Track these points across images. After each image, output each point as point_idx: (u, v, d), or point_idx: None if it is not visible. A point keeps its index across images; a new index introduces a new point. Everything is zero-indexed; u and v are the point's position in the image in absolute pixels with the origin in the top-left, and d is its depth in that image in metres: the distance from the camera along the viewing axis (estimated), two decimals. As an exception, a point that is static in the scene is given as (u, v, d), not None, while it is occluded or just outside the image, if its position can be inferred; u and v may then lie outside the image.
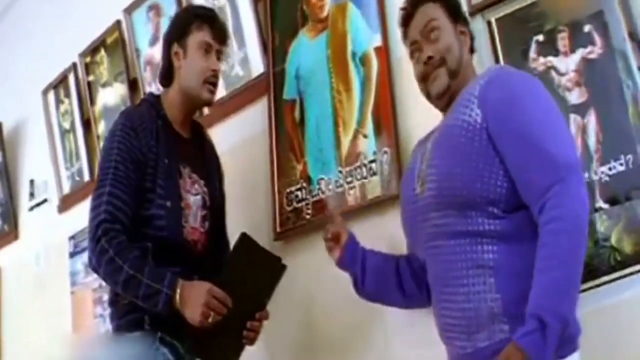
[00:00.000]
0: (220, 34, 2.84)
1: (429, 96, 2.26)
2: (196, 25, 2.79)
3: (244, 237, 2.66)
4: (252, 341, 2.66)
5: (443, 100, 2.22)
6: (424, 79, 2.25)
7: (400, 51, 2.70)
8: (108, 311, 2.78)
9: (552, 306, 1.81)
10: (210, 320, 2.46)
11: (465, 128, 2.04)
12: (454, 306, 2.04)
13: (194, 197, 2.75)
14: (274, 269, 2.69)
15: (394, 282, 2.40)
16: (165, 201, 2.64)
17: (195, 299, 2.46)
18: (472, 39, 2.32)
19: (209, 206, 2.80)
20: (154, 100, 2.82)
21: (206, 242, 2.77)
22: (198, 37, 2.78)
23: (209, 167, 2.89)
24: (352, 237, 2.47)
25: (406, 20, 2.30)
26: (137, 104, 3.01)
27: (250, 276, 2.63)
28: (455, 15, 2.27)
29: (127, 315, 2.61)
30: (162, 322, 2.55)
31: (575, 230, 1.87)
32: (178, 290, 2.46)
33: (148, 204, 2.63)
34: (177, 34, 2.83)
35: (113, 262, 2.49)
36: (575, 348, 1.94)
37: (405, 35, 2.33)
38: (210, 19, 2.83)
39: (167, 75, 2.85)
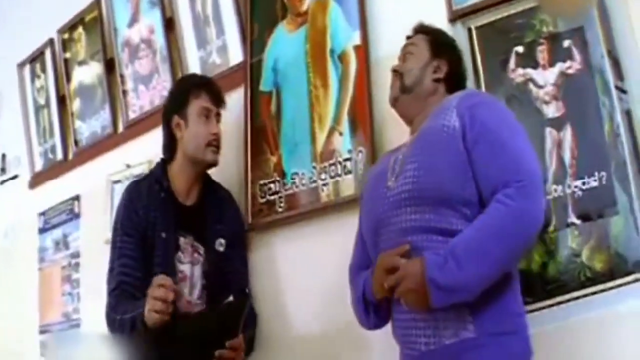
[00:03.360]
0: (217, 97, 2.95)
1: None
2: (194, 94, 2.91)
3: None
4: None
5: (396, 107, 2.38)
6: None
7: (379, 51, 2.72)
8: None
9: (465, 257, 1.90)
10: (160, 309, 2.44)
11: (445, 131, 2.08)
12: None
13: (193, 267, 2.82)
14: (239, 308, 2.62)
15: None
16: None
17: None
18: (451, 75, 2.34)
19: (209, 271, 2.84)
20: (159, 174, 2.91)
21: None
22: (197, 104, 2.90)
23: (212, 230, 2.90)
24: None
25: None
26: (141, 178, 3.07)
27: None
28: (436, 51, 2.35)
29: None
30: None
31: (516, 223, 1.91)
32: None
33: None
34: (176, 105, 2.94)
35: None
36: None
37: None
38: (206, 85, 2.95)
39: (170, 148, 2.95)
